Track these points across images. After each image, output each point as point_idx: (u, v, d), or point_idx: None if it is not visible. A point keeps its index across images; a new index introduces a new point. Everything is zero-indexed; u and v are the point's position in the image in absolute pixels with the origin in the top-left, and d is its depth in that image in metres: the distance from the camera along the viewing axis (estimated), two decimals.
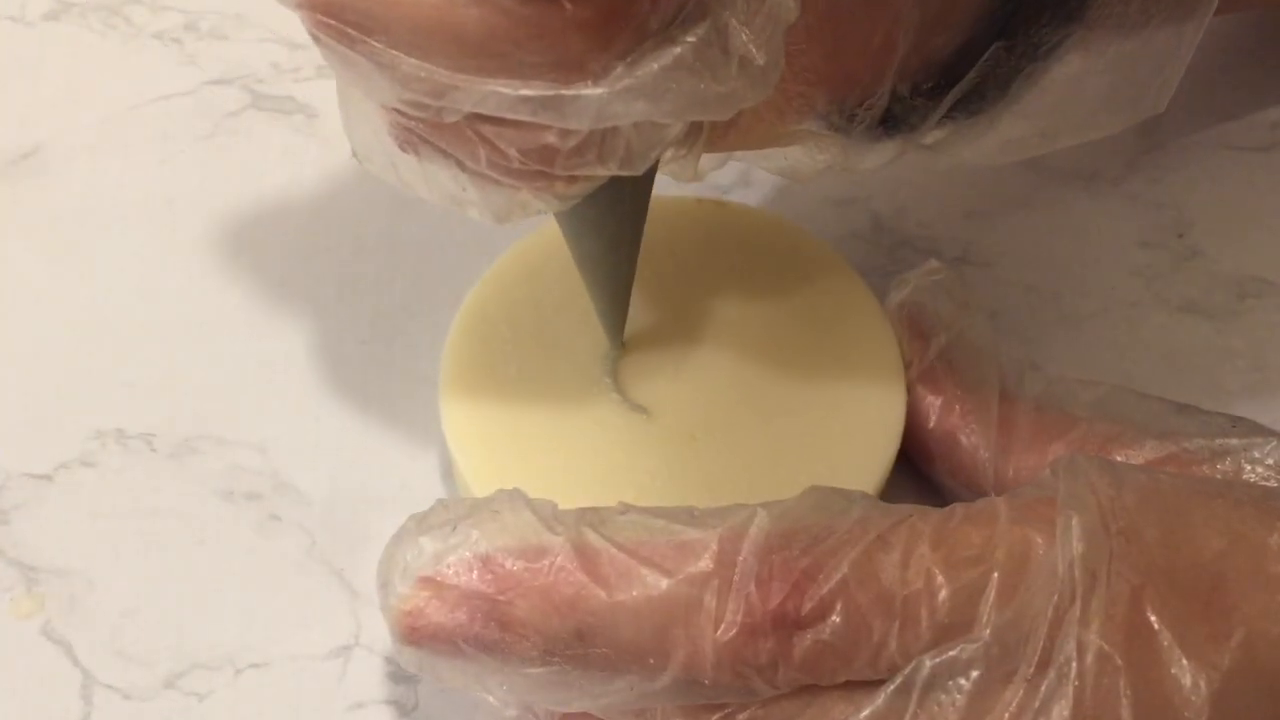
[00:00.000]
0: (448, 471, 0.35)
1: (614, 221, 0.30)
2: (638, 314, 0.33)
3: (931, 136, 0.32)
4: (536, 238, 0.35)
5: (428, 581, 0.27)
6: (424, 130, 0.26)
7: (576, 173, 0.26)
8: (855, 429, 0.33)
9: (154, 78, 0.43)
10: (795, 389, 0.33)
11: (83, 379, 0.36)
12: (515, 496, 0.28)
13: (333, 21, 0.24)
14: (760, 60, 0.25)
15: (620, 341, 0.33)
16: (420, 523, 0.28)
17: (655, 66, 0.24)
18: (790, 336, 0.34)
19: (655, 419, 0.33)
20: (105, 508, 0.34)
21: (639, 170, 0.26)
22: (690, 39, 0.24)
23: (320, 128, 0.42)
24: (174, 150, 0.41)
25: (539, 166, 0.26)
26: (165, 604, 0.33)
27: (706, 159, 0.32)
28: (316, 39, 0.25)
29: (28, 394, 0.36)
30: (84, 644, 0.32)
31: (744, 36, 0.25)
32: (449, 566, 0.27)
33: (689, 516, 0.27)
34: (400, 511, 0.34)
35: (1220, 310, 0.38)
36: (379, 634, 0.32)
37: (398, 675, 0.32)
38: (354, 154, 0.29)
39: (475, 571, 0.26)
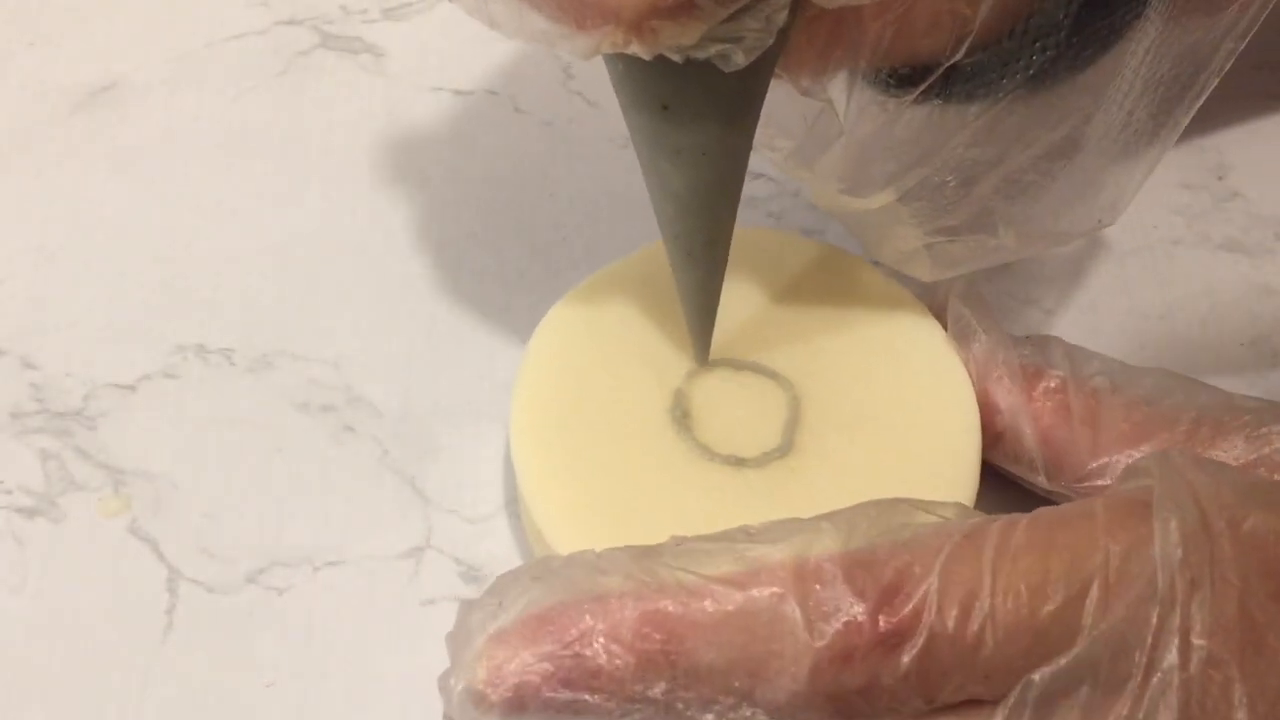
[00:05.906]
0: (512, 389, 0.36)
1: (715, 153, 0.28)
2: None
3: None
4: (605, 273, 0.35)
5: (494, 649, 0.25)
6: None
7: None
8: (936, 444, 0.32)
9: (227, 17, 0.44)
10: (865, 411, 0.32)
11: (164, 298, 0.38)
12: (549, 560, 0.26)
13: None
14: None
15: (707, 349, 0.32)
16: (468, 609, 0.26)
17: None
18: (851, 359, 0.33)
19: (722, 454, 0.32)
20: (187, 417, 0.36)
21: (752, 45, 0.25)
22: None
23: (387, 67, 0.43)
24: (246, 87, 0.43)
25: None
26: (245, 507, 0.34)
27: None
28: None
29: (111, 312, 0.38)
30: (169, 541, 0.34)
31: None
32: (509, 635, 0.25)
33: (746, 536, 0.26)
34: (469, 425, 0.36)
35: (1257, 248, 0.39)
36: (449, 537, 0.34)
37: (468, 575, 0.33)
38: None
39: (535, 632, 0.25)
